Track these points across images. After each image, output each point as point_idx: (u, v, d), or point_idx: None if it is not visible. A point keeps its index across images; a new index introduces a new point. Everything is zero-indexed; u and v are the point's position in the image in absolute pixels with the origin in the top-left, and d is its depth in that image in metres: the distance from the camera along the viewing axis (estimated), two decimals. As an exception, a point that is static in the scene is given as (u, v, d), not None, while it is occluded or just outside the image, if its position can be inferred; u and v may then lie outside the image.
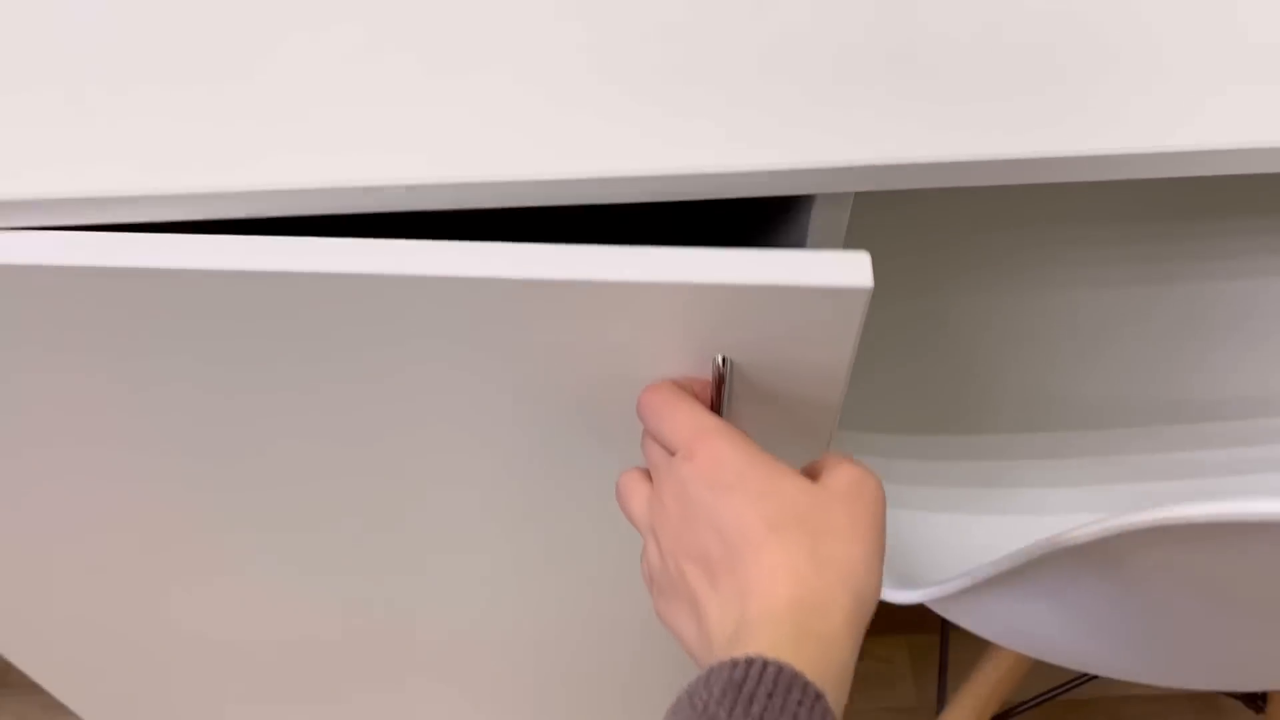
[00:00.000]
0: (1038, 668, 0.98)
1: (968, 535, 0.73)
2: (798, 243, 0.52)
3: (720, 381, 0.43)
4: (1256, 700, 0.93)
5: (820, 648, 0.36)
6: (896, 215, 0.85)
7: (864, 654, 1.09)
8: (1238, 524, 0.40)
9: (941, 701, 0.98)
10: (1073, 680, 0.95)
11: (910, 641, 1.17)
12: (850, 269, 0.41)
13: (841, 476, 0.40)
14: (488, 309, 0.43)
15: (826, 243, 0.51)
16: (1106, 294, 0.84)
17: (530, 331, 0.44)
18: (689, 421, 0.41)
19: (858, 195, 0.47)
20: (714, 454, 0.40)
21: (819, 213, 0.49)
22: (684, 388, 0.44)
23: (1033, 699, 0.96)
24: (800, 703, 0.34)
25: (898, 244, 0.85)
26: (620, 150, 0.45)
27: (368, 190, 0.44)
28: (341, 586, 0.67)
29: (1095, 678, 0.91)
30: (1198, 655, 0.57)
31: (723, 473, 0.39)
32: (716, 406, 0.43)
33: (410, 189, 0.44)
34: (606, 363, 0.45)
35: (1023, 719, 1.02)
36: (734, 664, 0.35)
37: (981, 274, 0.85)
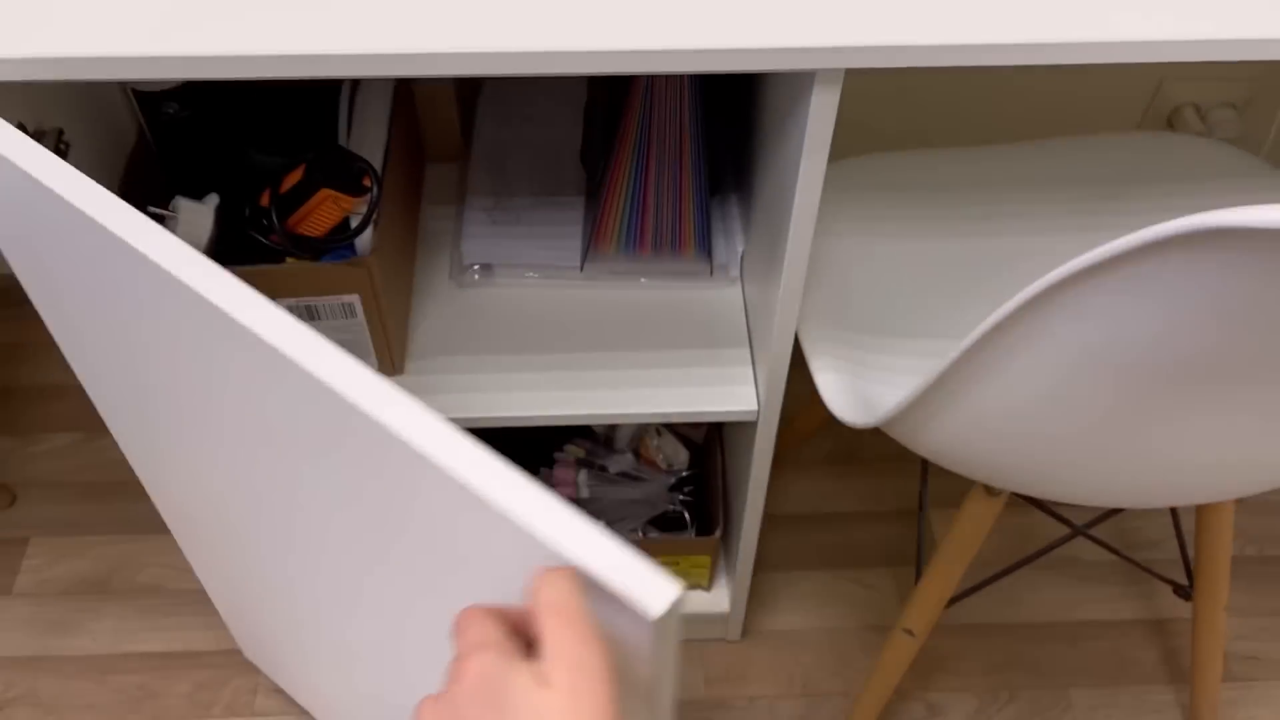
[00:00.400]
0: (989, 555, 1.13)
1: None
2: (803, 121, 0.71)
3: None
4: (1185, 589, 1.09)
5: None
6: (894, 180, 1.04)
7: (853, 582, 1.26)
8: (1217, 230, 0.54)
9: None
10: (1033, 554, 1.09)
11: (894, 572, 1.33)
12: (652, 593, 0.40)
13: (563, 672, 0.41)
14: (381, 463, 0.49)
15: (824, 119, 0.69)
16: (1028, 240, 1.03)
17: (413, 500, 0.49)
18: (474, 636, 0.44)
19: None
20: (477, 671, 0.42)
21: (819, 91, 0.68)
22: (506, 615, 0.45)
23: (994, 575, 1.11)
24: None
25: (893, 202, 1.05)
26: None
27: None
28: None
29: (1054, 547, 1.06)
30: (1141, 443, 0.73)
31: (477, 693, 0.42)
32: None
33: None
34: (464, 565, 0.49)
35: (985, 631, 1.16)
36: None
37: (952, 223, 1.04)
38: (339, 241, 0.81)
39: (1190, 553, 1.07)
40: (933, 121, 1.34)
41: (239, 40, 0.63)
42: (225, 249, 0.83)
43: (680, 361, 0.96)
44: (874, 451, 1.43)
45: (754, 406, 0.93)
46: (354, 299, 0.85)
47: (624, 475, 1.20)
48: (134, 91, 0.86)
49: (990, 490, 0.92)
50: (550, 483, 1.18)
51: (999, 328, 0.66)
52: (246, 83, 0.85)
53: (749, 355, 0.96)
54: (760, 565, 1.31)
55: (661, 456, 1.20)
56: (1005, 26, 0.65)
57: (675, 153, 0.92)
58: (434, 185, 1.08)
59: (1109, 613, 1.30)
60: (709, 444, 1.21)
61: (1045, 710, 1.22)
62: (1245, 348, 0.61)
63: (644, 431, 1.20)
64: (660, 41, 0.64)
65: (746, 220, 1.00)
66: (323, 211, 0.80)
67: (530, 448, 1.21)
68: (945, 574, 1.00)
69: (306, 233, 0.80)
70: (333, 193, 0.78)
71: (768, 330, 0.88)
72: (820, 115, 0.69)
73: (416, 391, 0.92)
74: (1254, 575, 1.33)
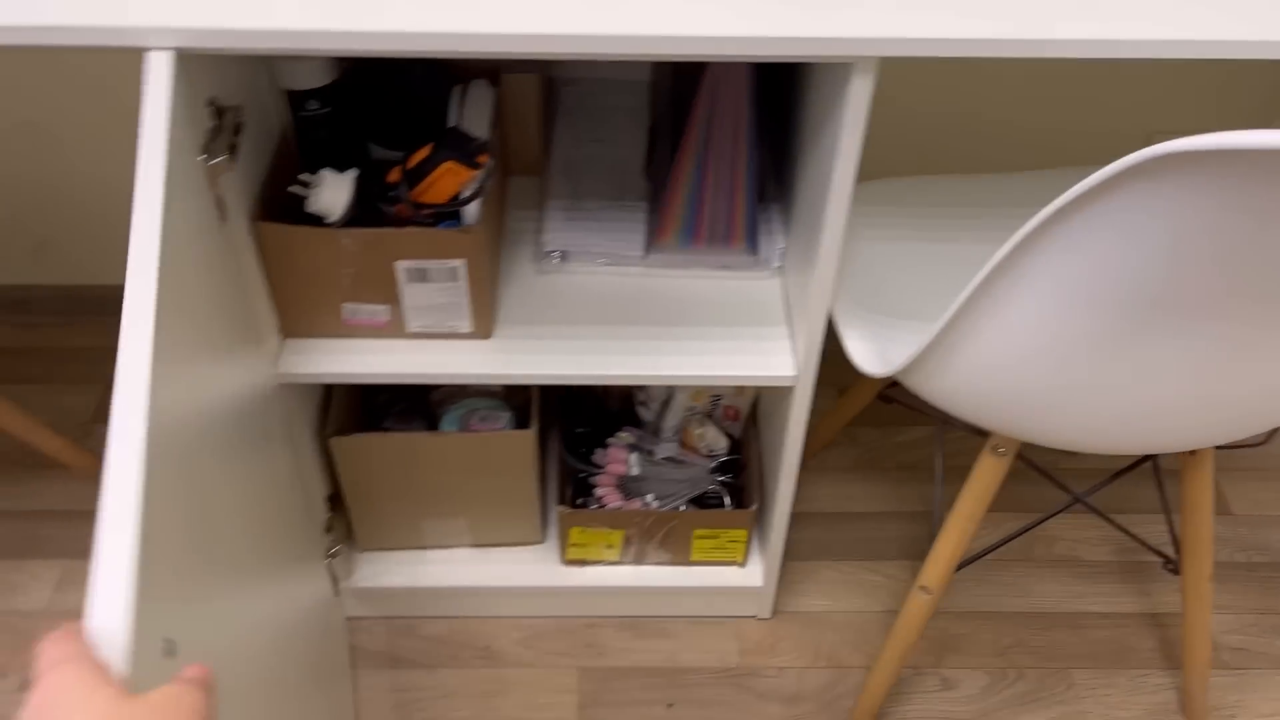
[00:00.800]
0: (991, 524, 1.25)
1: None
2: (841, 108, 0.87)
3: None
4: (1174, 561, 1.22)
5: None
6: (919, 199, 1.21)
7: (874, 572, 1.41)
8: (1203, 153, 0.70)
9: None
10: (1038, 520, 1.22)
11: (912, 565, 1.45)
12: None
13: (160, 692, 0.44)
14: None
15: (860, 106, 0.86)
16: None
17: None
18: (51, 652, 0.46)
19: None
20: (55, 679, 0.44)
21: (855, 79, 0.84)
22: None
23: (996, 543, 1.24)
24: None
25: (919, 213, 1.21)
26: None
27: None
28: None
29: (1057, 514, 1.19)
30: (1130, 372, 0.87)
31: (55, 694, 0.43)
32: None
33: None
34: None
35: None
36: None
37: (961, 231, 1.21)
38: (454, 208, 0.98)
39: (1177, 533, 1.20)
40: (948, 155, 1.52)
41: (393, 19, 0.80)
42: (358, 216, 0.99)
43: (728, 336, 1.11)
44: (893, 461, 1.57)
45: (793, 372, 1.08)
46: (460, 264, 1.01)
47: (669, 460, 1.34)
48: (286, 91, 1.04)
49: (996, 450, 1.06)
50: (604, 461, 1.33)
51: (997, 270, 0.81)
52: (374, 85, 1.03)
53: (788, 333, 1.12)
54: (789, 555, 1.44)
55: (704, 444, 1.34)
56: (1015, 24, 0.81)
57: (730, 158, 1.09)
58: (516, 193, 1.26)
59: (1109, 605, 1.42)
60: (746, 435, 1.35)
61: (1050, 688, 1.34)
62: (1208, 276, 0.76)
63: (688, 422, 1.35)
64: (715, 29, 0.80)
65: (787, 223, 1.17)
66: (443, 183, 0.96)
67: (588, 431, 1.36)
68: (958, 532, 1.13)
69: (429, 201, 0.97)
70: (453, 165, 0.95)
71: (805, 307, 1.04)
72: (856, 101, 0.86)
73: (504, 353, 1.08)
74: (1242, 579, 1.45)
